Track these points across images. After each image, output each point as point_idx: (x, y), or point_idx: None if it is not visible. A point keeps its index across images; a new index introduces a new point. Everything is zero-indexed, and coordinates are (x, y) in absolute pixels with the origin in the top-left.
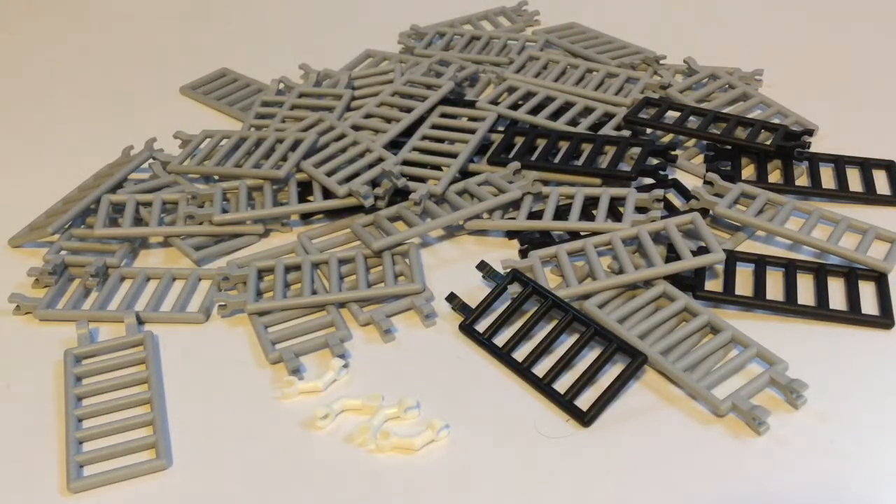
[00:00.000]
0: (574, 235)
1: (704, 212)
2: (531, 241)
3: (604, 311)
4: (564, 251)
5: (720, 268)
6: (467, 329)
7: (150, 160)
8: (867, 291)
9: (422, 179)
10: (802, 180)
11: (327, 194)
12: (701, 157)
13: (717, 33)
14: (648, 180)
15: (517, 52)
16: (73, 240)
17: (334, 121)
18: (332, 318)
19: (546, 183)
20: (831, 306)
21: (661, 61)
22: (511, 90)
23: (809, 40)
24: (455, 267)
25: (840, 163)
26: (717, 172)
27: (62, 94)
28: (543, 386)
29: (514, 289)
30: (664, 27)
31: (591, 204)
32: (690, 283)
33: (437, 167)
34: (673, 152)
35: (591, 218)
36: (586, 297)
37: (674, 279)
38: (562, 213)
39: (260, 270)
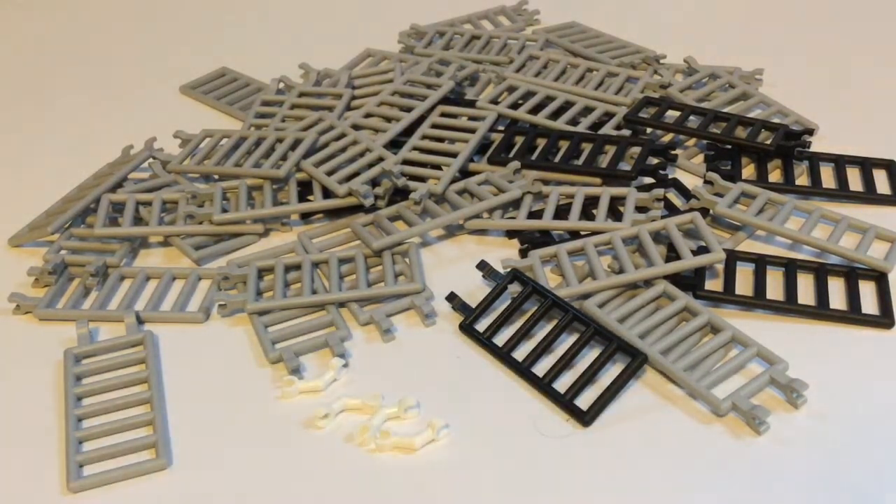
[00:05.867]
0: (574, 235)
1: (705, 211)
2: (531, 240)
3: (604, 310)
4: (564, 251)
5: (720, 267)
6: (467, 329)
7: (150, 160)
8: (867, 291)
9: (422, 179)
10: (803, 180)
11: (327, 194)
12: (701, 157)
13: (717, 33)
14: (648, 180)
15: (517, 51)
16: (73, 239)
17: (334, 120)
18: (332, 318)
19: (546, 182)
20: (831, 306)
21: (661, 61)
22: (511, 89)
23: (809, 40)
24: (455, 267)
25: (840, 162)
26: (717, 172)
27: (62, 93)
28: (543, 385)
29: (514, 288)
30: (664, 27)
31: (591, 203)
32: (691, 282)
33: (437, 167)
34: (673, 152)
35: (592, 217)
36: (586, 296)
37: (674, 279)
38: (562, 212)
39: (260, 270)
